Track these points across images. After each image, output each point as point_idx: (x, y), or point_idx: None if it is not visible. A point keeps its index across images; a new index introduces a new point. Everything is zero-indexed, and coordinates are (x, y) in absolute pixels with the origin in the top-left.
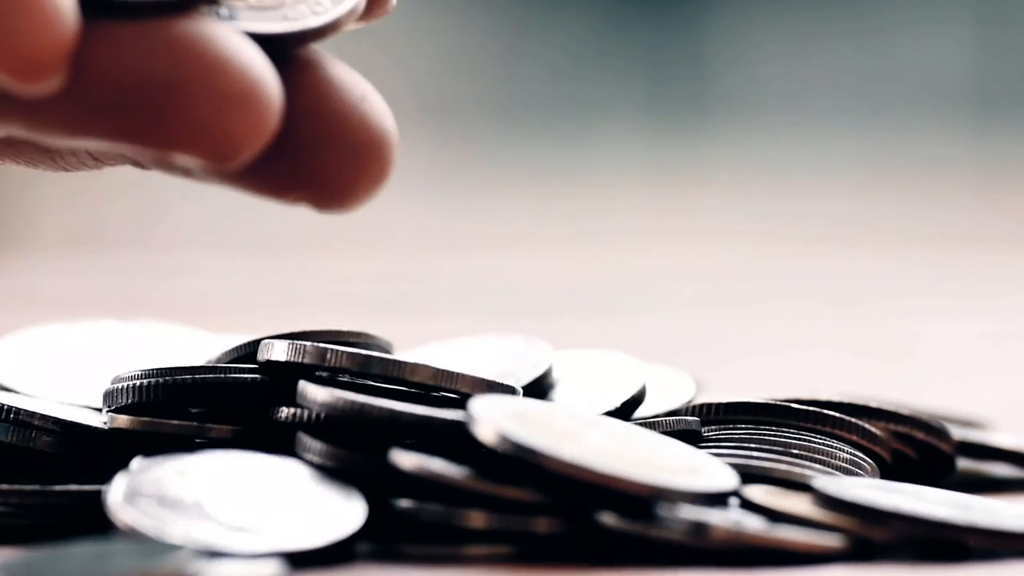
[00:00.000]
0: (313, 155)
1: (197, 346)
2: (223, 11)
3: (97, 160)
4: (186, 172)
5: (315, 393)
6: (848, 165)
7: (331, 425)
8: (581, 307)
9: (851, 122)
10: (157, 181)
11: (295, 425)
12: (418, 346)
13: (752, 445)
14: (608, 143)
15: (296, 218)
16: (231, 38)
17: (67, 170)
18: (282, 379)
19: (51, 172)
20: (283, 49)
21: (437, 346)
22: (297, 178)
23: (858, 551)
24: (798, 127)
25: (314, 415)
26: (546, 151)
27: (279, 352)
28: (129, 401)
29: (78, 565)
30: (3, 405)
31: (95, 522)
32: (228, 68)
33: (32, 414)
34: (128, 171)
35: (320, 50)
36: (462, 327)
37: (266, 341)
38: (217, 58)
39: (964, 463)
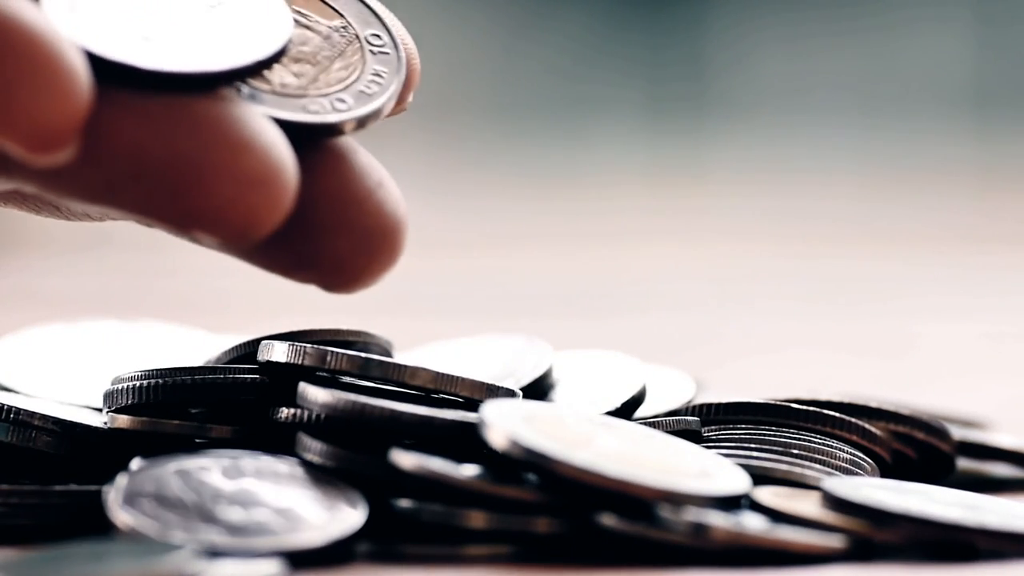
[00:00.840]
0: (327, 239)
1: (197, 346)
2: (245, 91)
3: (104, 216)
4: (197, 241)
5: (315, 394)
6: (848, 165)
7: (332, 426)
8: (581, 307)
9: (851, 122)
10: None
11: (295, 425)
12: (418, 346)
13: (752, 445)
14: (608, 143)
15: None
16: (254, 119)
17: (70, 220)
18: (283, 379)
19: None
20: (301, 135)
21: (437, 346)
22: (309, 260)
23: (859, 551)
24: (798, 127)
25: (314, 415)
26: (546, 151)
27: (279, 354)
28: (129, 402)
29: (78, 565)
30: (3, 405)
31: (95, 522)
32: (251, 150)
33: (32, 414)
34: None
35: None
36: (462, 327)
37: (266, 342)
38: (240, 140)
39: (964, 463)
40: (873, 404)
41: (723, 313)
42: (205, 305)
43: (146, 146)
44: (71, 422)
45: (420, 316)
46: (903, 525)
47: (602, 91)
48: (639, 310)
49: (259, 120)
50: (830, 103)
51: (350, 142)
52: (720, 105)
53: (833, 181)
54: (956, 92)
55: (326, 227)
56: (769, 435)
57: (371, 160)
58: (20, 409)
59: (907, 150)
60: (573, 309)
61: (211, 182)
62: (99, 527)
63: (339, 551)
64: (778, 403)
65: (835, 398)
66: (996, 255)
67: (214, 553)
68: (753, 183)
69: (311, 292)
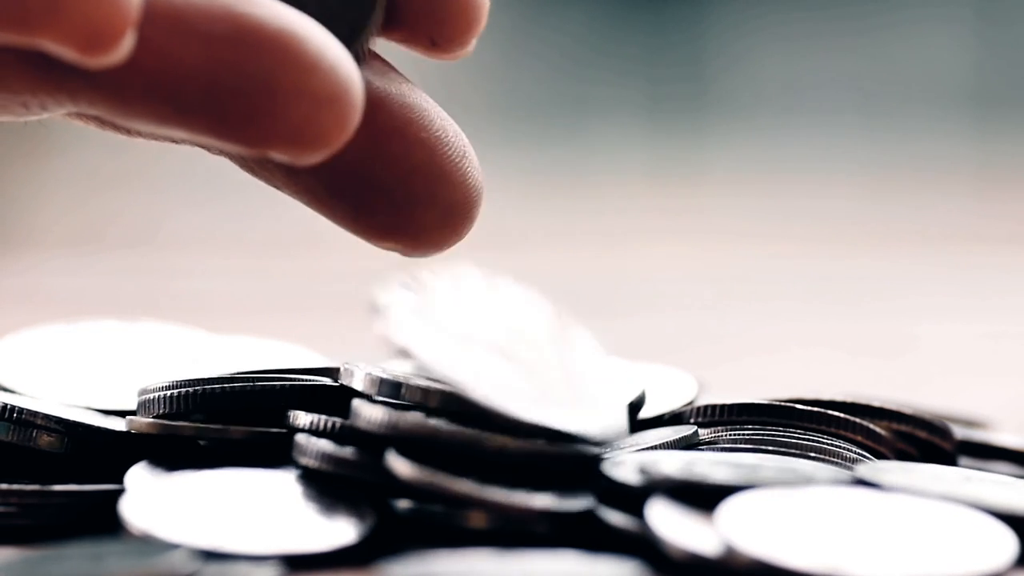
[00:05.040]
0: (413, 211)
1: (197, 347)
2: None
3: (170, 138)
4: (264, 176)
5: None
6: (848, 165)
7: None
8: (581, 307)
9: (851, 122)
10: (157, 181)
11: (318, 434)
12: None
13: (769, 447)
14: (608, 143)
15: (295, 218)
16: (317, 38)
17: (132, 137)
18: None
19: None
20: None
21: None
22: (395, 230)
23: None
24: (798, 127)
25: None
26: (546, 151)
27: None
28: (164, 411)
29: (77, 565)
30: (5, 404)
31: (95, 522)
32: (319, 69)
33: (35, 414)
34: (128, 171)
35: (428, 99)
36: None
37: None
38: (308, 59)
39: (966, 462)
40: (876, 404)
41: (723, 313)
42: (205, 305)
43: (215, 71)
44: (73, 422)
45: None
46: None
47: (602, 91)
48: (639, 310)
49: (322, 38)
50: (830, 103)
51: (435, 107)
52: (720, 105)
53: (833, 181)
54: (956, 92)
55: (414, 200)
56: (779, 436)
57: (453, 127)
58: (22, 408)
59: (907, 150)
60: (573, 309)
61: (283, 103)
62: (99, 527)
63: (339, 555)
64: (784, 404)
65: (838, 398)
66: (996, 255)
67: (214, 554)
68: (753, 183)
69: (311, 292)
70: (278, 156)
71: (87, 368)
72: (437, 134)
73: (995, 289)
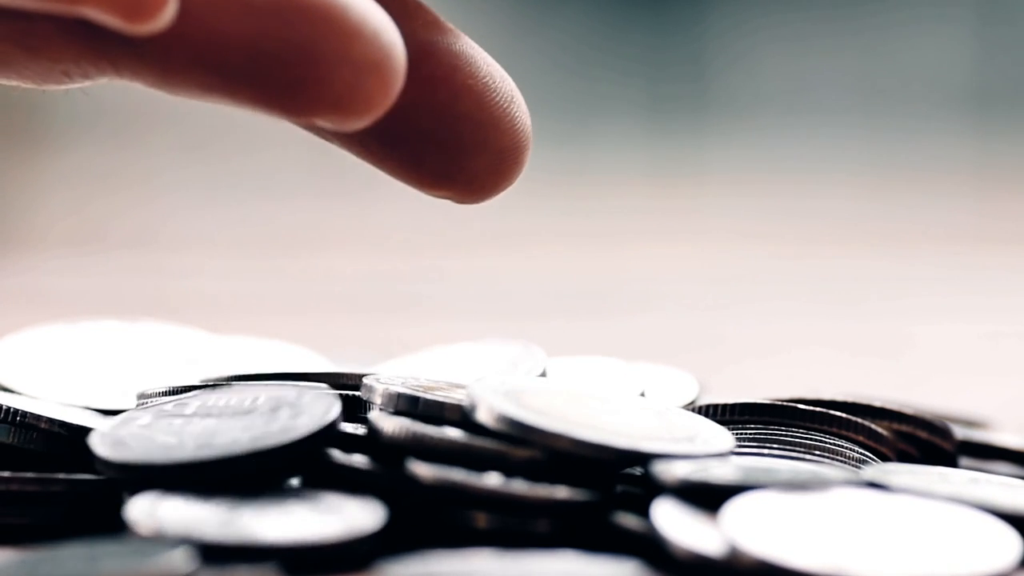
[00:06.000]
0: (465, 158)
1: (197, 347)
2: None
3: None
4: (312, 129)
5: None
6: (848, 165)
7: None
8: (581, 307)
9: (851, 122)
10: (157, 181)
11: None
12: (417, 351)
13: (774, 446)
14: (608, 143)
15: (295, 218)
16: (359, 4)
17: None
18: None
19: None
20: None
21: (435, 351)
22: (447, 177)
23: None
24: (798, 127)
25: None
26: (546, 150)
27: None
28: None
29: (75, 565)
30: (8, 408)
31: (94, 520)
32: (362, 36)
33: (39, 417)
34: (128, 171)
35: (473, 45)
36: (462, 328)
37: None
38: (351, 26)
39: (966, 462)
40: (877, 404)
41: (723, 313)
42: (205, 305)
43: (258, 40)
44: (78, 426)
45: (420, 316)
46: None
47: (603, 91)
48: (639, 310)
49: (364, 5)
50: (830, 103)
51: (482, 54)
52: (720, 105)
53: (833, 181)
54: (956, 92)
55: (465, 147)
56: (781, 436)
57: (500, 72)
58: (25, 412)
59: (907, 150)
60: (574, 309)
61: (326, 71)
62: (98, 526)
63: (339, 555)
64: (786, 404)
65: (839, 397)
66: (996, 255)
67: (213, 554)
68: (753, 183)
69: (311, 292)
70: (322, 123)
71: (87, 368)
72: (484, 80)
73: (995, 289)
